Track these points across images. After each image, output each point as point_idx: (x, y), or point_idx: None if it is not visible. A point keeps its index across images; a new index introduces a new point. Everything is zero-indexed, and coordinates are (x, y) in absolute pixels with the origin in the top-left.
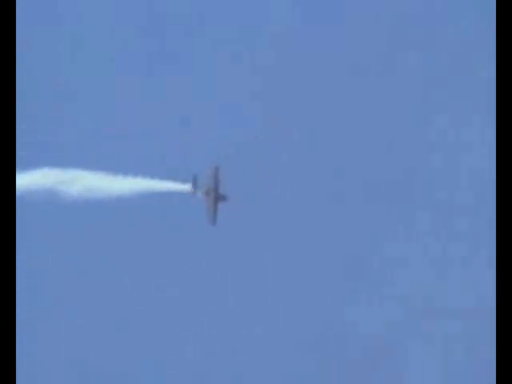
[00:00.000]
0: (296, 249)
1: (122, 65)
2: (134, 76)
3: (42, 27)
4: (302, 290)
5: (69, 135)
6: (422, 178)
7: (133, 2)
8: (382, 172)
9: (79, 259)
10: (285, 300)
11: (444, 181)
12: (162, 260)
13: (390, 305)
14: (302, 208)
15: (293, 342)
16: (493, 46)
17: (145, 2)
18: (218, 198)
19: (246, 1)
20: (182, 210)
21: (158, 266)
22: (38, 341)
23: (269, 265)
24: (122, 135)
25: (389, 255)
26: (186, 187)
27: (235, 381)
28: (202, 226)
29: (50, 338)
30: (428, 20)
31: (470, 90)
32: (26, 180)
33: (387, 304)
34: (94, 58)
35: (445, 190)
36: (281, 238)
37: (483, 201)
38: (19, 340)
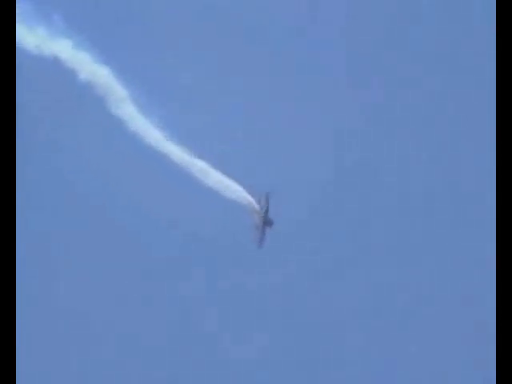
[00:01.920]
0: None
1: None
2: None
3: None
4: None
5: None
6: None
7: None
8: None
9: None
10: None
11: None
12: None
13: None
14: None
15: None
16: (493, 46)
17: None
18: (266, 222)
19: None
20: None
21: None
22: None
23: None
24: None
25: None
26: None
27: None
28: None
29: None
30: (428, 19)
31: (470, 90)
32: None
33: None
34: None
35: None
36: None
37: (483, 202)
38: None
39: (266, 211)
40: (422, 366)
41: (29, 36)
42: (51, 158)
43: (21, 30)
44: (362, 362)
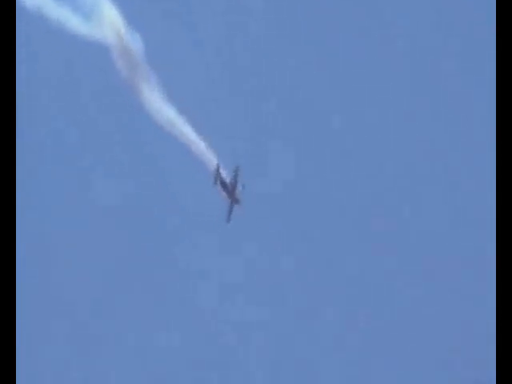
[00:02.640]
0: None
1: None
2: None
3: None
4: None
5: None
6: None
7: None
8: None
9: None
10: None
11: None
12: None
13: None
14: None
15: None
16: (493, 47)
17: None
18: (234, 199)
19: None
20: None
21: None
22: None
23: None
24: None
25: None
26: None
27: None
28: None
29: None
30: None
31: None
32: None
33: None
34: None
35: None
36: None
37: (483, 204)
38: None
39: (234, 188)
40: (422, 366)
41: None
42: None
43: None
44: (362, 361)
